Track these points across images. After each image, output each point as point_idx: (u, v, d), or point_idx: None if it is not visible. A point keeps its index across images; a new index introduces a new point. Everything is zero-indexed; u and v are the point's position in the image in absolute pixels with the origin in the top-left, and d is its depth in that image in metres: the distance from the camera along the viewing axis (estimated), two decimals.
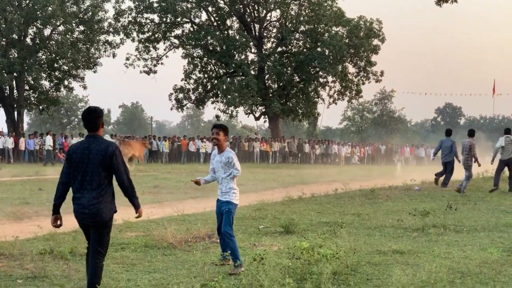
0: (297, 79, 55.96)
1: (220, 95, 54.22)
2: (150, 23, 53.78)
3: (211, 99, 56.10)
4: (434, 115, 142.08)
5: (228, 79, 52.39)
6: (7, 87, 45.88)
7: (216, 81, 54.16)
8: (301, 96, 56.51)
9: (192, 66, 55.32)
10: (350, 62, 55.70)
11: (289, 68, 54.81)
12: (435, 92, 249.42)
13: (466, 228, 12.66)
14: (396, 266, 8.65)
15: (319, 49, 53.70)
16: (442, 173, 22.47)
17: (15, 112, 47.53)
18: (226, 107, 53.94)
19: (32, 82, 46.81)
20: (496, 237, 11.50)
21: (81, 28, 49.09)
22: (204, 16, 55.49)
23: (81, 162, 6.70)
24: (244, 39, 51.96)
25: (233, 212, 8.89)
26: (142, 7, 52.42)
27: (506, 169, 21.49)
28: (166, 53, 55.34)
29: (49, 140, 39.52)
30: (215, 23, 55.08)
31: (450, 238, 11.34)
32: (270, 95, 54.56)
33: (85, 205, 6.69)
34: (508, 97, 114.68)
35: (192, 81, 55.73)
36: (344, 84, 55.95)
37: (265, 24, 56.43)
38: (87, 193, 6.71)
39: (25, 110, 51.80)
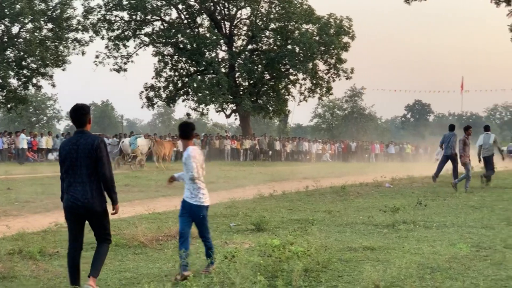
0: (268, 77, 56.02)
1: (191, 93, 54.11)
2: (119, 21, 53.47)
3: (182, 97, 55.95)
4: (404, 112, 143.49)
5: (199, 77, 52.26)
6: None
7: (186, 79, 54.03)
8: (271, 93, 56.61)
9: (162, 64, 55.13)
10: (321, 60, 55.88)
11: (259, 66, 54.82)
12: (405, 89, 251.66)
13: (436, 224, 12.77)
14: (366, 262, 8.69)
15: (289, 46, 53.79)
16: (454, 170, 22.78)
17: None
18: (197, 105, 53.90)
19: (0, 81, 46.20)
20: (465, 232, 11.61)
21: (50, 25, 48.74)
22: (174, 14, 55.48)
23: (70, 157, 7.06)
24: (214, 37, 51.89)
25: (206, 216, 8.45)
26: (111, 5, 52.12)
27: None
28: (136, 51, 55.03)
29: (24, 138, 39.06)
30: (185, 21, 54.91)
31: (420, 234, 11.43)
32: (241, 92, 54.55)
33: (79, 197, 7.03)
34: (476, 93, 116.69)
35: (162, 79, 55.58)
36: (314, 81, 56.18)
37: (235, 22, 56.38)
38: (79, 186, 7.05)
39: None
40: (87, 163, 7.01)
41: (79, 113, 7.16)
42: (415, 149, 69.71)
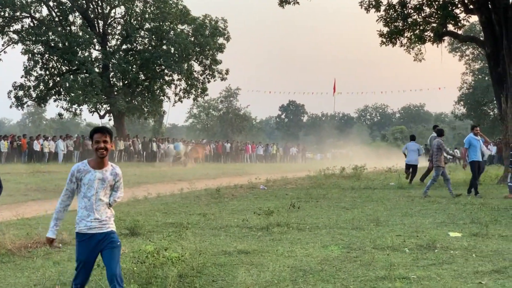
0: (143, 77, 55.47)
1: (63, 93, 52.63)
2: None
3: (54, 97, 54.28)
4: (278, 113, 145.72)
5: (71, 76, 50.90)
6: None
7: (58, 78, 52.52)
8: (146, 94, 56.11)
9: (32, 62, 53.22)
10: (196, 60, 55.97)
11: (134, 66, 54.20)
12: (279, 90, 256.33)
13: (309, 226, 13.02)
14: (241, 266, 8.77)
15: (164, 47, 53.57)
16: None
17: None
18: (69, 105, 52.37)
19: None
20: (337, 234, 11.97)
21: None
22: (45, 11, 53.65)
23: None
24: (87, 36, 50.79)
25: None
26: None
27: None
28: (4, 48, 52.88)
29: None
30: (56, 19, 53.38)
31: (293, 237, 11.66)
32: (115, 93, 53.72)
33: None
34: (348, 95, 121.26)
35: (33, 78, 53.60)
36: (189, 82, 56.17)
37: (109, 21, 55.46)
38: None
39: None
40: None
41: None
42: (284, 150, 70.89)
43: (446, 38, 43.15)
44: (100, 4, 54.37)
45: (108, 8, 54.85)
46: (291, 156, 72.21)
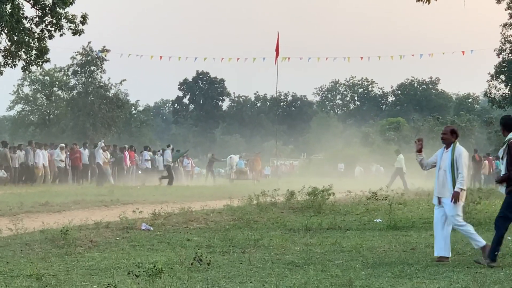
0: None
1: None
2: None
3: None
4: (178, 94, 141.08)
5: None
6: None
7: None
8: None
9: None
10: None
11: None
12: (179, 54, 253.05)
13: None
14: None
15: None
16: None
17: None
18: None
19: None
20: None
21: None
22: None
23: None
24: None
25: None
26: None
27: None
28: None
29: None
30: None
31: None
32: None
33: None
34: (301, 63, 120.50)
35: None
36: (16, 37, 51.40)
37: None
38: None
39: None
40: None
41: None
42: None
43: None
44: None
45: None
46: (183, 171, 65.90)
